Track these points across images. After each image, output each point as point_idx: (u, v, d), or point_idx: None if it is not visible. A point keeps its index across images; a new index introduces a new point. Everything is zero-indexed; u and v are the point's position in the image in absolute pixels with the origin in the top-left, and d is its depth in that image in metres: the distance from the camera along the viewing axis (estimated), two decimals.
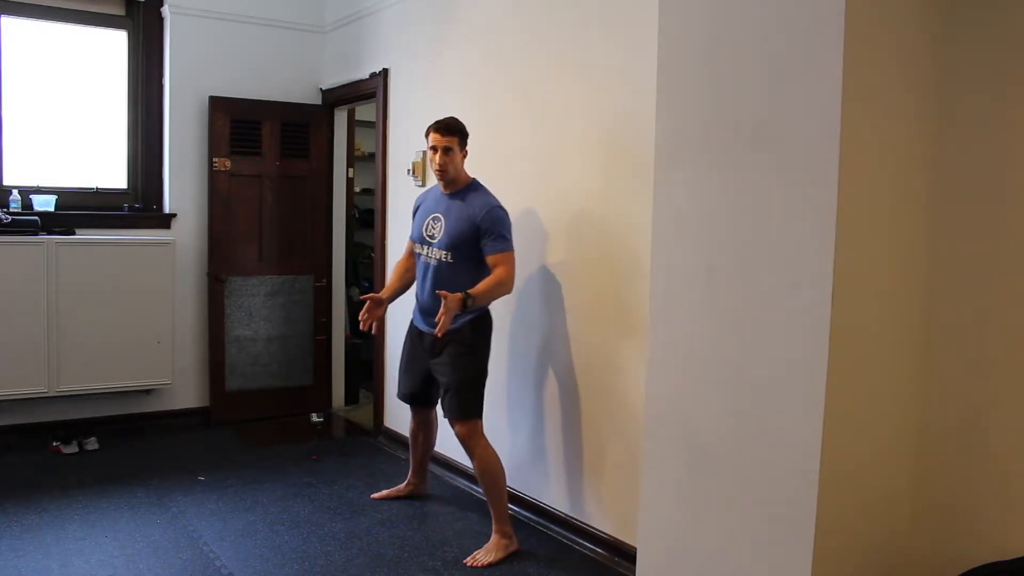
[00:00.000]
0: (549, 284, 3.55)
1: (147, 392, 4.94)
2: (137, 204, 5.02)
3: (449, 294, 3.13)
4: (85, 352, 4.58)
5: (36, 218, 4.53)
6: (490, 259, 3.24)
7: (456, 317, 3.21)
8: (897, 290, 2.11)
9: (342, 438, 4.99)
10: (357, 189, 6.09)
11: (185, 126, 5.02)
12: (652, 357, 2.37)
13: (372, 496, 3.88)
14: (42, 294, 4.46)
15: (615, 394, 3.27)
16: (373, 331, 3.57)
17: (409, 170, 4.53)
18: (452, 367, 3.32)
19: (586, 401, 3.41)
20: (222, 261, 5.08)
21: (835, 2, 1.87)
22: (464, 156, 3.37)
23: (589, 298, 3.38)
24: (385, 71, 4.76)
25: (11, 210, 4.53)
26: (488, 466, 3.31)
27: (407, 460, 4.48)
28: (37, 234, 4.47)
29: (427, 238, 3.40)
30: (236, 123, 5.06)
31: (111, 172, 5.05)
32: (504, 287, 3.25)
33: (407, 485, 3.92)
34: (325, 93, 5.36)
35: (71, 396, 4.66)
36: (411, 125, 4.54)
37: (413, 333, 3.55)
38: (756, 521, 2.08)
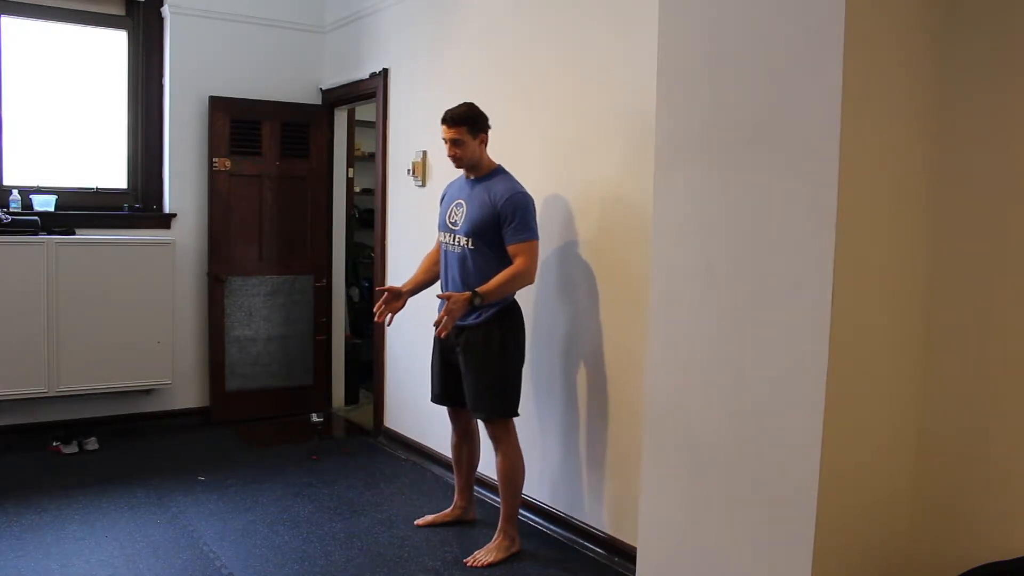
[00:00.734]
0: (553, 282, 3.55)
1: (147, 392, 4.94)
2: (137, 204, 5.02)
3: (453, 294, 3.10)
4: (85, 352, 4.58)
5: (36, 218, 4.53)
6: (510, 249, 3.14)
7: (480, 311, 3.15)
8: (897, 290, 2.11)
9: (342, 438, 4.99)
10: (357, 189, 6.09)
11: (185, 126, 5.02)
12: (652, 357, 2.37)
13: (416, 522, 3.58)
14: (42, 294, 4.46)
15: (614, 394, 3.27)
16: (388, 324, 3.44)
17: (409, 170, 4.53)
18: (478, 364, 3.21)
19: (585, 401, 3.41)
20: (222, 261, 5.08)
21: (835, 2, 1.87)
22: (482, 142, 3.26)
23: (589, 297, 3.38)
24: (385, 71, 4.76)
25: (11, 210, 4.53)
26: (511, 466, 3.26)
27: (406, 460, 4.49)
28: (37, 234, 4.48)
29: (450, 225, 3.30)
30: (236, 123, 5.06)
31: (111, 172, 5.05)
32: (521, 279, 3.14)
33: (454, 509, 3.61)
34: (325, 93, 5.37)
35: (71, 396, 4.66)
36: (411, 125, 4.55)
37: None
38: (756, 521, 2.08)
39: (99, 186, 4.99)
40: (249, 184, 5.13)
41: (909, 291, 2.13)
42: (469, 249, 3.21)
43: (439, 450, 4.27)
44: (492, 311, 3.20)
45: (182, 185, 5.04)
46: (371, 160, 5.72)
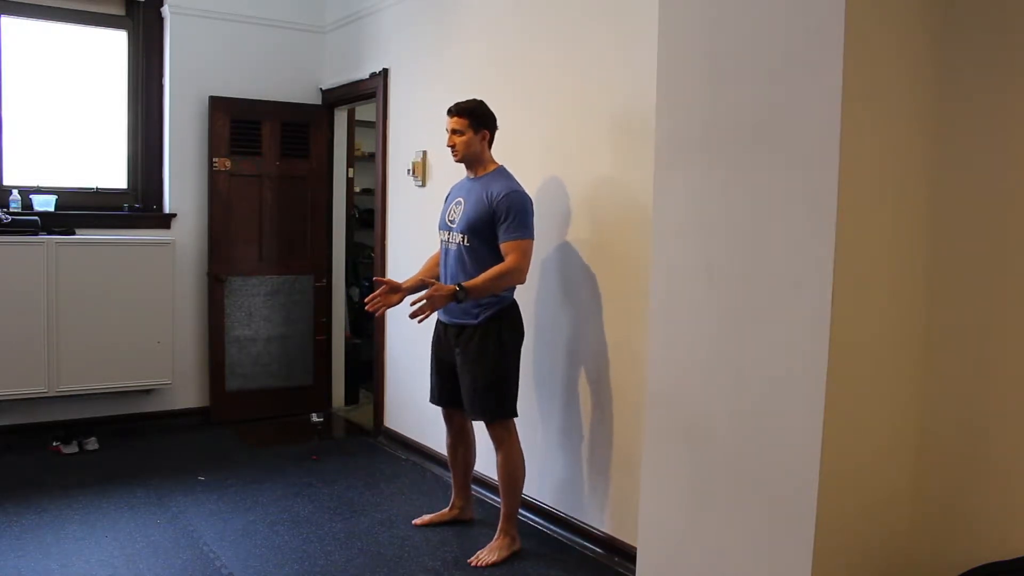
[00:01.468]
0: (552, 282, 3.55)
1: (147, 392, 4.94)
2: (137, 204, 5.02)
3: (436, 283, 3.09)
4: (85, 352, 4.58)
5: (36, 218, 4.53)
6: (502, 247, 3.14)
7: (478, 312, 3.15)
8: (897, 290, 2.11)
9: (342, 438, 4.99)
10: (357, 189, 6.09)
11: (185, 126, 5.02)
12: (652, 357, 2.37)
13: (414, 522, 3.58)
14: (42, 294, 4.46)
15: (614, 393, 3.27)
16: (377, 314, 3.40)
17: (409, 170, 4.53)
18: (473, 364, 3.21)
19: (585, 401, 3.41)
20: (222, 261, 5.08)
21: (835, 2, 1.87)
22: (484, 139, 3.27)
23: (589, 296, 3.38)
24: (385, 71, 4.76)
25: (11, 210, 4.53)
26: (511, 465, 3.26)
27: (406, 460, 4.49)
28: (37, 234, 4.48)
29: (448, 223, 3.32)
30: (236, 123, 5.06)
31: (111, 172, 5.05)
32: (509, 277, 3.12)
33: (451, 509, 3.62)
34: (325, 93, 5.37)
35: (71, 396, 4.66)
36: (411, 125, 4.55)
37: (438, 329, 3.41)
38: (756, 521, 2.08)
39: (99, 186, 4.99)
40: (249, 184, 5.13)
41: (909, 291, 2.13)
42: (465, 246, 3.22)
43: (439, 450, 4.26)
44: (490, 312, 3.20)
45: (182, 185, 5.04)
46: (371, 160, 5.72)
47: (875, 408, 2.09)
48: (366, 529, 3.55)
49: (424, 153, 4.41)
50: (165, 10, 4.97)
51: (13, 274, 4.40)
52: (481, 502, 3.82)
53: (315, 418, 5.12)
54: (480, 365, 3.21)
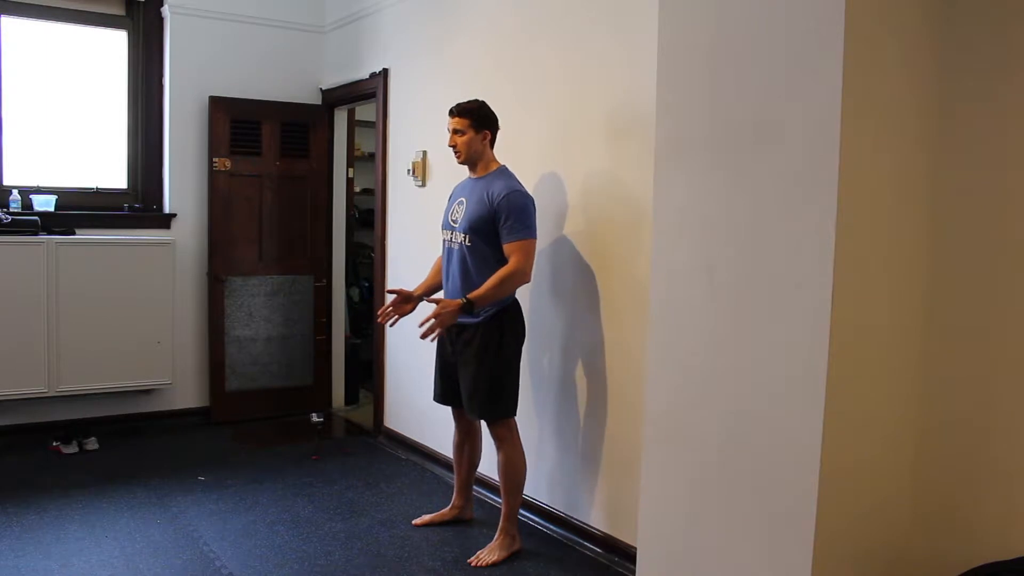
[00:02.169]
0: (550, 280, 3.55)
1: (147, 392, 4.94)
2: (137, 204, 5.01)
3: (446, 300, 3.10)
4: (85, 352, 4.58)
5: (36, 218, 4.53)
6: (505, 248, 3.14)
7: (476, 311, 3.15)
8: (898, 290, 2.11)
9: (342, 438, 4.99)
10: (357, 189, 6.10)
11: (185, 126, 5.02)
12: (652, 357, 2.37)
13: (414, 522, 3.59)
14: (42, 294, 4.46)
15: (614, 393, 3.27)
16: (391, 326, 3.42)
17: (409, 170, 4.53)
18: (473, 363, 3.21)
19: (585, 401, 3.41)
20: (222, 261, 5.08)
21: (835, 2, 1.87)
22: (485, 139, 3.27)
23: (588, 295, 3.38)
24: (385, 71, 4.76)
25: (11, 210, 4.53)
26: (513, 465, 3.27)
27: (406, 460, 4.49)
28: (37, 234, 4.48)
29: (451, 222, 3.32)
30: (236, 123, 5.06)
31: (111, 172, 5.05)
32: (514, 280, 3.13)
33: (452, 508, 3.62)
34: (325, 93, 5.37)
35: (71, 396, 4.66)
36: (411, 125, 4.55)
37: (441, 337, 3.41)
38: (756, 522, 2.08)
39: (99, 186, 4.99)
40: (249, 184, 5.13)
41: (910, 291, 2.13)
42: (467, 246, 3.23)
43: (439, 450, 4.27)
44: (491, 310, 3.20)
45: (182, 185, 5.04)
46: (371, 160, 5.72)
47: (875, 408, 2.09)
48: (366, 529, 3.55)
49: (424, 153, 4.41)
50: (165, 10, 4.97)
51: (13, 274, 4.40)
52: (481, 502, 3.82)
53: (315, 418, 5.11)
54: (480, 364, 3.21)
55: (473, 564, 3.22)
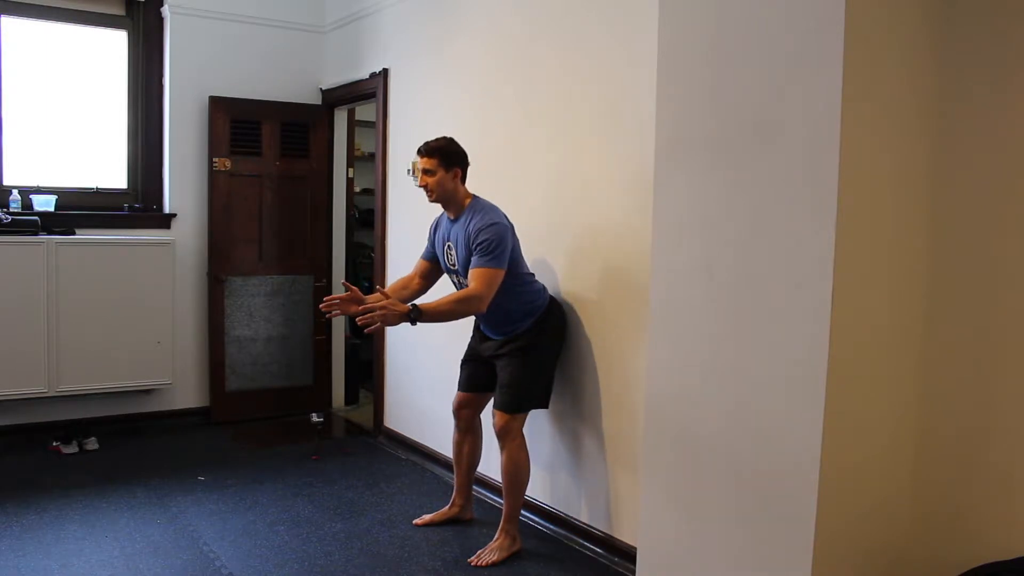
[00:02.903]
0: (550, 280, 3.55)
1: (147, 392, 4.94)
2: (137, 204, 5.01)
3: (394, 300, 3.03)
4: (85, 352, 4.58)
5: (36, 218, 4.53)
6: (470, 272, 3.14)
7: (519, 320, 3.23)
8: (898, 290, 2.11)
9: (342, 438, 4.99)
10: (357, 189, 6.09)
11: (185, 126, 5.02)
12: (652, 357, 2.37)
13: (414, 522, 3.59)
14: (42, 294, 4.46)
15: (614, 392, 3.27)
16: (328, 315, 3.29)
17: (409, 170, 4.52)
18: (509, 365, 3.26)
19: (585, 400, 3.41)
20: (222, 261, 5.08)
21: (835, 2, 1.87)
22: (456, 177, 3.25)
23: (588, 293, 3.38)
24: (385, 71, 4.76)
25: (11, 210, 4.53)
26: (516, 465, 3.28)
27: (406, 460, 4.49)
28: (37, 234, 4.47)
29: (450, 267, 3.35)
30: (236, 123, 5.06)
31: (111, 172, 5.05)
32: (468, 305, 3.09)
33: (451, 507, 3.63)
34: (325, 93, 5.37)
35: (71, 396, 4.66)
36: (411, 125, 4.55)
37: (477, 334, 3.46)
38: (756, 522, 2.08)
39: (99, 186, 4.99)
40: (249, 184, 5.13)
41: (909, 291, 2.13)
42: None
43: (439, 450, 4.27)
44: (529, 322, 3.26)
45: (182, 185, 5.04)
46: (371, 160, 5.72)
47: (875, 408, 2.09)
48: (366, 529, 3.55)
49: None
50: (165, 10, 4.97)
51: (13, 274, 4.40)
52: (481, 502, 3.82)
53: (315, 418, 5.11)
54: (510, 367, 3.27)
55: (473, 564, 3.22)
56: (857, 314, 1.98)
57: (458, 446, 3.57)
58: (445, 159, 3.23)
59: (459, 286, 3.32)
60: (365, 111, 5.74)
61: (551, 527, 3.56)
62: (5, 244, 4.37)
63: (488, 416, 3.41)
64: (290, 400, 5.31)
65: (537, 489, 3.62)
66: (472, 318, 3.42)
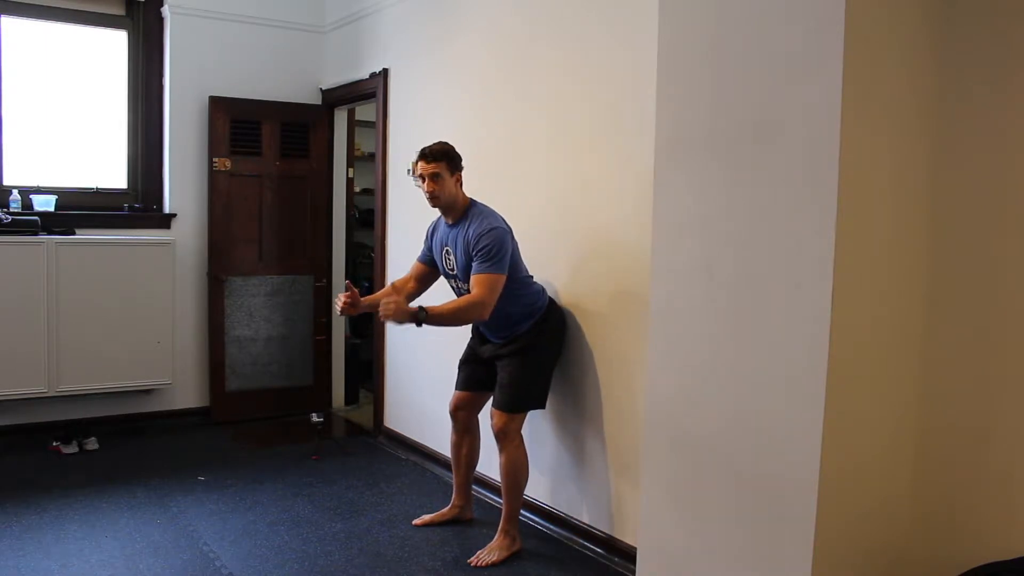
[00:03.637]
0: (549, 280, 3.55)
1: (147, 392, 4.94)
2: (137, 204, 5.01)
3: (402, 300, 3.09)
4: (85, 352, 4.58)
5: (36, 218, 4.53)
6: (472, 278, 3.14)
7: (519, 323, 3.24)
8: (898, 290, 2.11)
9: (342, 438, 4.99)
10: (357, 189, 6.09)
11: (185, 126, 5.02)
12: (652, 357, 2.37)
13: (414, 522, 3.59)
14: (42, 294, 4.46)
15: (614, 392, 3.27)
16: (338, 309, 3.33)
17: (409, 170, 4.52)
18: (509, 366, 3.27)
19: (585, 400, 3.41)
20: (222, 261, 5.08)
21: (835, 2, 1.87)
22: (458, 180, 3.25)
23: (588, 293, 3.37)
24: (385, 71, 4.76)
25: (11, 210, 4.53)
26: (515, 465, 3.28)
27: (406, 460, 4.49)
28: (37, 234, 4.48)
29: (448, 272, 3.34)
30: (236, 123, 5.06)
31: (111, 172, 5.05)
32: (470, 312, 3.09)
33: (451, 508, 3.63)
34: (325, 93, 5.37)
35: (71, 396, 4.66)
36: (411, 125, 4.55)
37: (477, 336, 3.47)
38: (756, 521, 2.08)
39: (99, 186, 4.99)
40: (249, 184, 5.13)
41: (909, 291, 2.13)
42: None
43: (439, 450, 4.27)
44: (529, 323, 3.26)
45: (182, 185, 5.04)
46: (371, 160, 5.72)
47: (875, 408, 2.09)
48: (366, 529, 3.55)
49: None
50: (165, 10, 4.97)
51: (13, 274, 4.40)
52: (481, 502, 3.82)
53: (315, 418, 5.11)
54: (510, 367, 3.27)
55: (473, 564, 3.22)
56: (857, 314, 1.97)
57: (456, 447, 3.57)
58: (451, 163, 3.23)
59: (458, 291, 3.32)
60: (365, 111, 5.74)
61: (552, 528, 3.56)
62: (5, 244, 4.37)
63: (486, 416, 3.41)
64: (290, 400, 5.31)
65: (538, 490, 3.62)
66: None
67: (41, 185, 4.79)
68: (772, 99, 2.02)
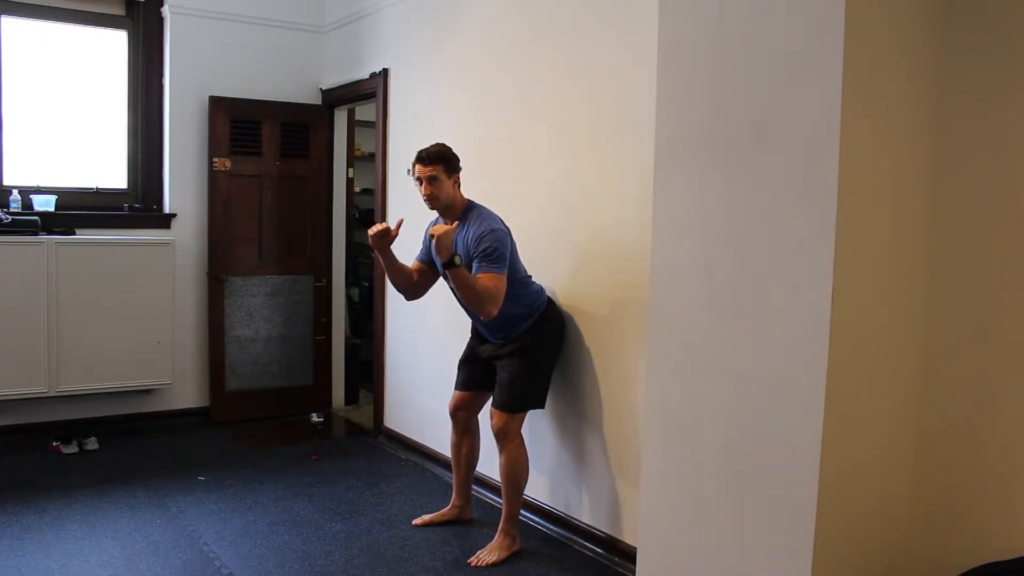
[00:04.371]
0: (549, 280, 3.55)
1: (147, 392, 4.94)
2: (137, 204, 5.02)
3: (451, 233, 3.06)
4: (85, 352, 4.58)
5: (36, 218, 4.53)
6: (479, 277, 3.13)
7: (518, 323, 3.25)
8: (898, 290, 2.11)
9: (342, 438, 4.99)
10: (357, 189, 6.10)
11: (185, 126, 5.02)
12: (652, 357, 2.37)
13: (414, 522, 3.59)
14: (42, 294, 4.46)
15: (615, 393, 3.27)
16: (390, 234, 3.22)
17: (409, 170, 4.52)
18: (509, 365, 3.27)
19: (585, 401, 3.41)
20: (222, 261, 5.08)
21: (835, 2, 1.87)
22: (456, 182, 3.25)
23: (588, 292, 3.37)
24: (385, 71, 4.76)
25: (11, 210, 4.53)
26: (515, 465, 3.28)
27: (406, 460, 4.49)
28: (37, 234, 4.48)
29: (447, 272, 3.32)
30: (236, 123, 5.06)
31: (111, 172, 5.05)
32: (485, 296, 3.07)
33: (451, 508, 3.63)
34: (325, 93, 5.37)
35: (71, 396, 4.66)
36: (411, 125, 4.55)
37: (476, 336, 3.47)
38: (756, 521, 2.08)
39: (99, 186, 4.99)
40: (249, 184, 5.13)
41: (910, 291, 2.13)
42: None
43: (439, 450, 4.27)
44: (528, 323, 3.27)
45: (182, 185, 5.04)
46: (371, 160, 5.72)
47: (875, 408, 2.08)
48: (366, 529, 3.55)
49: None
50: (165, 10, 4.97)
51: (13, 274, 4.40)
52: (481, 502, 3.82)
53: (315, 418, 5.11)
54: (509, 367, 3.27)
55: (473, 564, 3.22)
56: (857, 314, 1.97)
57: (456, 447, 3.58)
58: (449, 165, 3.23)
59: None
60: (365, 111, 5.74)
61: (552, 528, 3.56)
62: (5, 244, 4.37)
63: (486, 416, 3.41)
64: (290, 400, 5.31)
65: (539, 490, 3.62)
66: (469, 320, 3.42)
67: (41, 185, 4.79)
68: (772, 99, 2.02)
